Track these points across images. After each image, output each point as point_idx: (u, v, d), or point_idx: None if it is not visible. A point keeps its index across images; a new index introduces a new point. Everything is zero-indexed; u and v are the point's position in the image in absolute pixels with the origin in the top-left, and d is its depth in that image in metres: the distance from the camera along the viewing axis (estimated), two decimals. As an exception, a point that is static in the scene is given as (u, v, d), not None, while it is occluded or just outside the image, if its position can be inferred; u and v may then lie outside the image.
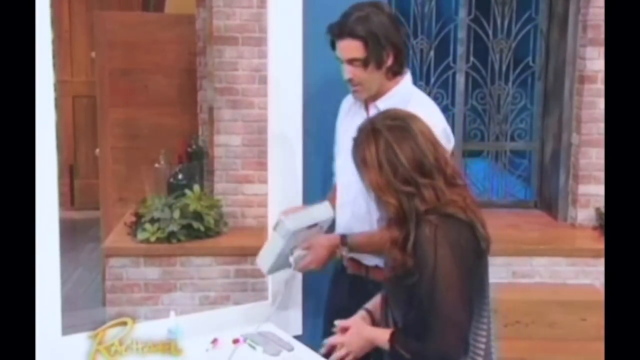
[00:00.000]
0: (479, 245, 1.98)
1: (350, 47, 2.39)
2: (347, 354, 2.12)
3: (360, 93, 2.45)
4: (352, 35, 2.37)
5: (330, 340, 2.16)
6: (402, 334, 2.03)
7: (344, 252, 2.44)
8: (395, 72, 2.44)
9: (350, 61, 2.41)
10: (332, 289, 2.72)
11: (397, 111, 2.05)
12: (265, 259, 2.54)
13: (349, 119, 2.56)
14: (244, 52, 3.95)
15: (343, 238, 2.45)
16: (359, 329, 2.14)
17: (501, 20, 4.55)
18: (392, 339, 2.03)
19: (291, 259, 2.43)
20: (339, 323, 2.19)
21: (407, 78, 2.49)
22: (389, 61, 2.40)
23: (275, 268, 2.54)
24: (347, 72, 2.43)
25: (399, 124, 1.94)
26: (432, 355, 1.94)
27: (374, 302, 2.27)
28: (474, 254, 1.97)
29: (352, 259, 2.55)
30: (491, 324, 2.10)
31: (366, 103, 2.51)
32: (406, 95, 2.46)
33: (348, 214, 2.53)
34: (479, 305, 2.07)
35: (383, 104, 2.43)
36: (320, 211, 2.53)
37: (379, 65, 2.40)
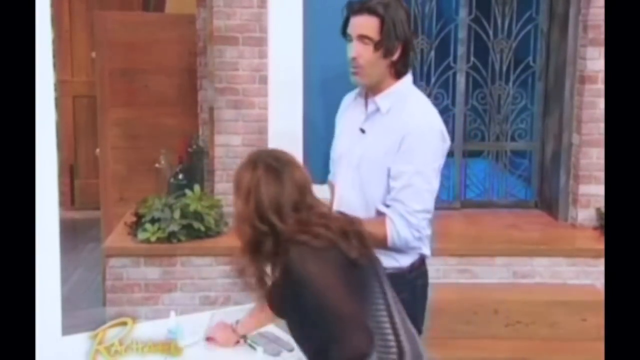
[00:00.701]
0: (349, 257, 2.03)
1: (366, 24, 2.35)
2: None
3: (361, 76, 2.40)
4: (372, 11, 2.33)
5: None
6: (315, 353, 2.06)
7: None
8: (398, 70, 2.42)
9: (361, 38, 2.36)
10: None
11: (282, 154, 2.13)
12: None
13: (349, 114, 2.54)
14: (245, 52, 3.95)
15: None
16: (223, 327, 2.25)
17: (502, 20, 4.55)
18: None
19: None
20: None
21: (407, 78, 2.47)
22: (396, 55, 2.37)
23: None
24: (354, 49, 2.37)
25: (275, 167, 2.04)
26: (340, 353, 1.95)
27: (247, 322, 2.39)
28: (345, 266, 2.02)
29: None
30: (399, 329, 2.10)
31: (366, 98, 2.50)
32: (404, 94, 2.43)
33: (344, 208, 2.52)
34: (373, 306, 2.08)
35: (382, 100, 2.41)
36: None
37: (387, 53, 2.36)
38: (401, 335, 2.08)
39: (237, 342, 2.41)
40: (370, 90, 2.45)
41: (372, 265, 2.12)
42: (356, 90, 2.55)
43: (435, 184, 2.37)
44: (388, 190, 2.37)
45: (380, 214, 2.38)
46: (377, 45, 2.35)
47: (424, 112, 2.39)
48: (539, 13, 4.56)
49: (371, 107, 2.43)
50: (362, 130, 2.43)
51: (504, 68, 4.60)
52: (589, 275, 3.96)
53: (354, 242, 2.05)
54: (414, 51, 2.45)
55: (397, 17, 2.36)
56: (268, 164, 2.05)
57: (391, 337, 2.06)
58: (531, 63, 4.61)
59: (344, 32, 2.43)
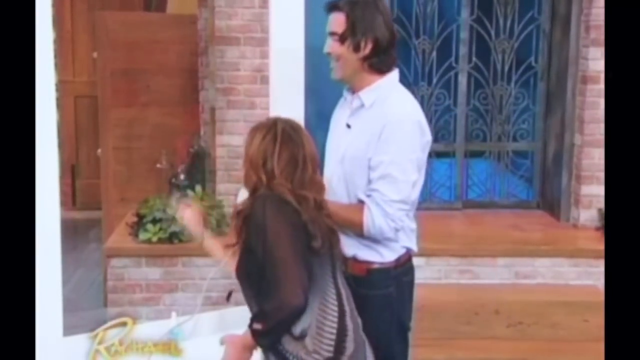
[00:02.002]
0: (311, 241, 2.11)
1: (334, 20, 2.46)
2: None
3: (336, 70, 2.49)
4: (337, 8, 2.45)
5: None
6: (254, 314, 2.13)
7: None
8: (374, 67, 2.47)
9: (331, 34, 2.46)
10: None
11: (296, 123, 2.27)
12: (241, 194, 2.56)
13: (338, 111, 2.61)
14: (246, 52, 3.95)
15: None
16: (232, 342, 2.19)
17: (503, 20, 4.55)
18: (250, 326, 2.10)
19: None
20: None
21: (392, 75, 2.52)
22: (367, 50, 2.44)
23: None
24: (327, 45, 2.48)
25: (290, 132, 2.19)
26: (274, 306, 2.04)
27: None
28: (304, 240, 2.11)
29: (355, 259, 2.54)
30: (346, 312, 2.17)
31: (352, 96, 2.54)
32: (388, 89, 2.48)
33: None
34: (322, 282, 2.15)
35: (365, 95, 2.46)
36: None
37: (355, 47, 2.44)
38: (347, 316, 2.15)
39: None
40: (353, 87, 2.50)
41: (332, 256, 2.21)
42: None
43: (412, 175, 2.39)
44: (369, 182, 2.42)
45: (361, 202, 2.41)
46: (341, 39, 2.43)
47: (402, 104, 2.45)
48: (540, 13, 4.56)
49: (356, 102, 2.48)
50: (348, 126, 2.49)
51: (506, 68, 4.59)
52: (590, 275, 3.96)
53: (320, 232, 2.14)
54: (392, 47, 2.49)
55: (365, 14, 2.44)
56: (283, 128, 2.18)
57: (333, 315, 2.13)
58: (533, 63, 4.60)
59: None
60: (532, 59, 4.60)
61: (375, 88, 2.47)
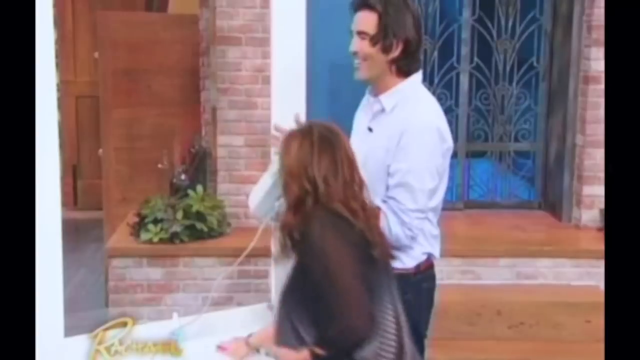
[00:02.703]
0: (369, 250, 2.07)
1: (365, 19, 2.39)
2: None
3: (362, 70, 2.43)
4: (370, 7, 2.38)
5: None
6: (315, 339, 2.05)
7: None
8: (401, 69, 2.43)
9: (360, 33, 2.40)
10: None
11: (332, 126, 2.18)
12: (253, 195, 2.51)
13: (360, 113, 2.57)
14: (247, 52, 3.95)
15: None
16: (286, 356, 2.16)
17: (505, 20, 4.54)
18: (310, 350, 2.04)
19: (277, 204, 2.42)
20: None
21: (415, 77, 2.48)
22: (396, 52, 2.39)
23: (261, 209, 2.49)
24: (354, 44, 2.41)
25: (328, 135, 2.11)
26: (341, 334, 1.98)
27: (260, 334, 2.34)
28: (364, 256, 2.05)
29: None
30: (403, 327, 2.11)
31: (375, 97, 2.51)
32: (409, 93, 2.43)
33: None
34: (380, 299, 2.09)
35: (386, 99, 2.42)
36: None
37: (385, 49, 2.38)
38: (404, 336, 2.09)
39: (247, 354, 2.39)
40: (375, 89, 2.46)
41: (386, 265, 2.14)
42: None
43: (429, 184, 2.35)
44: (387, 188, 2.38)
45: (377, 208, 2.37)
46: (372, 40, 2.37)
47: (424, 110, 2.40)
48: (542, 13, 4.55)
49: (376, 106, 2.44)
50: (370, 129, 2.45)
51: (508, 68, 4.59)
52: (592, 276, 3.95)
53: (377, 237, 2.09)
54: (420, 50, 2.46)
55: (398, 15, 2.39)
56: (320, 132, 2.11)
57: (393, 333, 2.07)
58: (535, 63, 4.60)
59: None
60: (534, 59, 4.59)
61: (396, 92, 2.42)
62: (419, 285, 2.47)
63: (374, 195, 2.37)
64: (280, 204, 2.43)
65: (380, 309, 2.07)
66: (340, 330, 1.97)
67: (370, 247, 2.06)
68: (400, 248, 2.40)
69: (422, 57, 4.47)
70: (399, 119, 2.36)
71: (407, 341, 2.10)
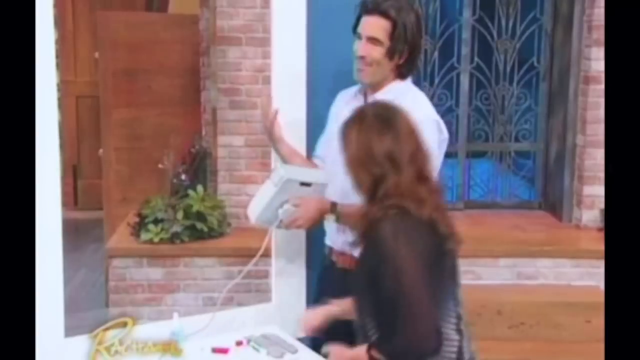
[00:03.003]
0: (441, 245, 2.02)
1: (377, 25, 2.40)
2: None
3: (366, 75, 2.45)
4: (384, 14, 2.39)
5: None
6: (376, 341, 2.03)
7: (331, 219, 2.45)
8: (401, 73, 2.45)
9: (371, 39, 2.40)
10: (321, 286, 2.71)
11: (389, 104, 2.13)
12: (254, 206, 2.51)
13: (341, 111, 2.58)
14: (248, 52, 3.95)
15: (333, 205, 2.46)
16: (340, 351, 2.15)
17: (505, 20, 4.54)
18: (369, 349, 2.03)
19: (281, 211, 2.43)
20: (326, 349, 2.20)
21: (409, 78, 2.51)
22: (402, 59, 2.41)
23: (263, 219, 2.50)
24: (363, 49, 2.42)
25: (385, 115, 2.04)
26: (407, 348, 1.96)
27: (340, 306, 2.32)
28: (435, 252, 2.01)
29: (342, 253, 2.55)
30: (463, 331, 2.11)
31: (365, 96, 2.52)
32: (403, 91, 2.49)
33: (346, 201, 2.53)
34: (445, 308, 2.07)
35: (381, 96, 2.46)
36: (316, 173, 2.55)
37: (393, 56, 2.41)
38: (464, 344, 2.09)
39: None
40: (370, 88, 2.49)
41: (453, 261, 2.10)
42: (355, 88, 2.57)
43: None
44: None
45: None
46: (385, 48, 2.40)
47: (420, 104, 2.47)
48: (543, 13, 4.55)
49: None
50: None
51: (508, 68, 4.58)
52: (593, 276, 3.94)
53: (446, 222, 2.04)
54: (420, 54, 2.49)
55: (408, 21, 2.42)
56: (375, 113, 2.05)
57: (454, 344, 2.07)
58: (535, 63, 4.59)
59: (355, 29, 2.46)
60: (534, 59, 4.59)
61: (391, 89, 2.48)
62: None
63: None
64: (285, 211, 2.43)
65: (444, 318, 2.05)
66: (406, 343, 1.94)
67: (442, 240, 2.01)
68: None
69: (422, 56, 4.49)
70: None
71: (466, 347, 2.09)
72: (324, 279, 2.69)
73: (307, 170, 2.58)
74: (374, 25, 2.40)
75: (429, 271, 1.96)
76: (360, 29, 2.44)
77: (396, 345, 1.95)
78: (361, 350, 2.06)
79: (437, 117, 2.47)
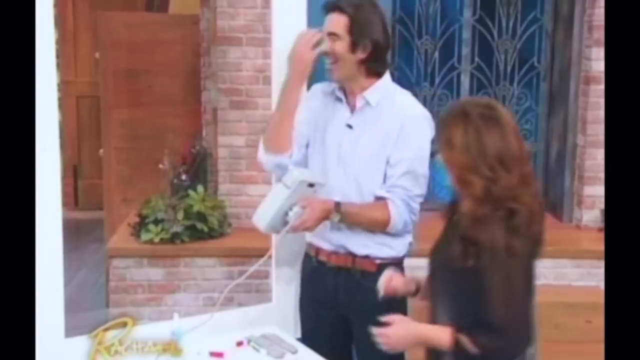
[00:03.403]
0: (535, 246, 2.04)
1: (335, 21, 2.48)
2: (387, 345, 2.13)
3: (334, 71, 2.51)
4: (341, 10, 2.47)
5: (377, 331, 2.16)
6: (469, 328, 2.02)
7: (335, 218, 2.46)
8: (371, 70, 2.50)
9: (330, 34, 2.48)
10: (312, 286, 2.68)
11: (488, 101, 2.12)
12: (264, 212, 2.49)
13: (323, 109, 2.60)
14: (248, 52, 3.95)
15: (337, 204, 2.46)
16: (405, 323, 2.15)
17: (506, 20, 4.54)
18: (455, 335, 2.01)
19: (290, 214, 2.42)
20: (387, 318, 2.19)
21: (387, 76, 2.57)
22: (365, 52, 2.46)
23: (272, 225, 2.49)
24: (324, 45, 2.50)
25: (490, 114, 2.00)
26: (509, 349, 1.99)
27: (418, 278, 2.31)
28: (531, 253, 2.04)
29: (335, 252, 2.56)
30: (535, 331, 2.11)
31: (347, 97, 2.54)
32: (390, 89, 2.55)
33: (339, 199, 2.53)
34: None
35: (370, 95, 2.51)
36: (317, 173, 2.55)
37: (355, 50, 2.46)
38: (534, 339, 2.09)
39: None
40: (350, 89, 2.54)
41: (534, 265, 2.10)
42: (329, 85, 2.62)
43: (427, 170, 2.48)
44: (384, 179, 2.48)
45: (378, 199, 2.48)
46: (347, 43, 2.45)
47: (413, 101, 2.56)
48: (543, 13, 4.55)
49: (360, 102, 2.53)
50: (350, 126, 2.53)
51: (509, 69, 4.58)
52: (593, 276, 3.95)
53: (542, 223, 2.05)
54: (387, 50, 2.55)
55: (366, 17, 2.48)
56: (480, 112, 1.99)
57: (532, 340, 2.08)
58: (536, 64, 4.59)
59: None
60: (535, 59, 4.59)
61: (377, 88, 2.53)
62: (403, 272, 2.53)
63: (370, 188, 2.49)
64: (294, 213, 2.42)
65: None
66: (497, 343, 1.95)
67: (536, 241, 2.02)
68: (397, 237, 2.53)
69: (422, 56, 4.49)
70: (391, 112, 2.49)
71: (534, 338, 2.10)
72: (314, 280, 2.66)
73: (308, 170, 2.59)
74: (333, 21, 2.48)
75: (528, 272, 1.99)
76: (323, 29, 2.52)
77: (500, 344, 1.96)
78: (438, 331, 2.06)
79: (429, 115, 2.55)
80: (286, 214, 2.45)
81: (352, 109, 2.54)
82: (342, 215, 2.46)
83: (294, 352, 2.38)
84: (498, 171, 1.95)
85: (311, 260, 2.66)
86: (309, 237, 2.65)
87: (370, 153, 2.48)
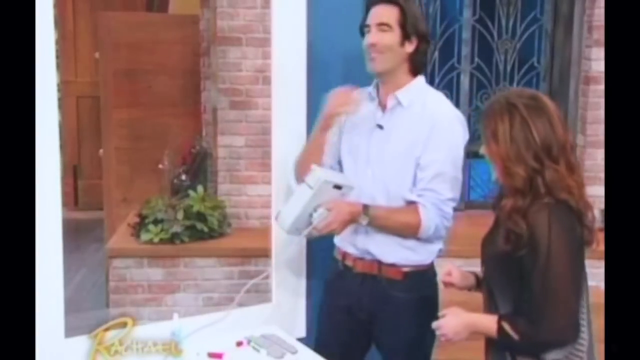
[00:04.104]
0: (583, 236, 2.06)
1: (385, 11, 2.43)
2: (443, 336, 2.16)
3: (379, 63, 2.44)
4: (392, 1, 2.43)
5: (434, 325, 2.19)
6: (510, 315, 2.05)
7: (364, 221, 2.41)
8: (414, 66, 2.47)
9: (380, 25, 2.43)
10: (336, 290, 2.66)
11: (532, 91, 2.10)
12: (287, 213, 2.43)
13: (359, 115, 2.54)
14: (248, 52, 3.95)
15: (365, 207, 2.41)
16: (457, 313, 2.17)
17: (506, 20, 4.54)
18: (500, 320, 2.04)
19: (315, 215, 2.37)
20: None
21: (421, 78, 2.54)
22: (412, 46, 2.43)
23: (296, 227, 2.43)
24: (373, 37, 2.44)
25: (535, 104, 2.00)
26: (545, 336, 1.97)
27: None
28: (580, 243, 2.05)
29: (361, 258, 2.53)
30: (591, 321, 2.14)
31: (379, 97, 2.52)
32: (422, 89, 2.51)
33: (365, 202, 2.51)
34: (582, 299, 2.11)
35: (402, 95, 2.46)
36: (344, 176, 2.51)
37: (404, 42, 2.43)
38: (593, 338, 2.11)
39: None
40: (385, 85, 2.50)
41: (584, 254, 2.12)
42: (363, 90, 2.57)
43: (460, 173, 2.46)
44: (414, 181, 2.42)
45: (409, 204, 2.42)
46: (397, 34, 2.42)
47: (447, 103, 2.52)
48: (543, 14, 4.55)
49: (391, 102, 2.48)
50: (380, 126, 2.48)
51: (508, 69, 4.58)
52: (593, 276, 3.89)
53: (589, 221, 2.07)
54: (429, 47, 2.52)
55: (415, 10, 2.48)
56: (525, 103, 1.99)
57: (585, 338, 2.09)
58: (535, 64, 4.59)
59: (362, 28, 2.50)
60: (535, 59, 4.59)
61: (410, 88, 2.48)
62: (433, 280, 2.50)
63: (398, 191, 2.43)
64: (319, 215, 2.38)
65: (580, 309, 2.07)
66: (542, 332, 1.96)
67: (585, 231, 2.04)
68: (426, 243, 2.48)
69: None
70: (423, 113, 2.43)
71: (594, 343, 2.10)
72: (339, 284, 2.62)
73: (337, 173, 2.55)
74: (383, 12, 2.43)
75: (575, 263, 2.01)
76: (368, 21, 2.47)
77: (536, 330, 1.96)
78: (486, 319, 2.09)
79: (463, 117, 2.52)
80: (310, 215, 2.40)
81: (384, 108, 2.49)
82: (371, 219, 2.40)
83: (294, 352, 2.38)
84: (544, 161, 1.96)
85: (337, 264, 2.61)
86: (337, 240, 2.59)
87: (399, 154, 2.42)
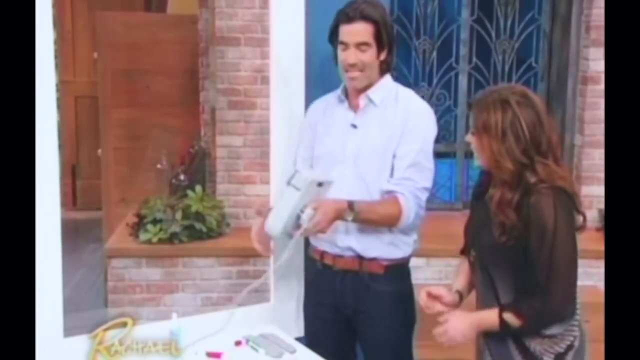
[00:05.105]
0: (576, 220, 2.12)
1: (363, 30, 2.43)
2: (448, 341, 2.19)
3: (360, 80, 2.48)
4: (366, 18, 2.42)
5: (434, 332, 2.21)
6: (511, 304, 2.10)
7: (349, 217, 2.41)
8: (385, 67, 2.51)
9: (359, 45, 2.43)
10: (316, 287, 2.67)
11: (521, 88, 2.17)
12: (277, 218, 2.41)
13: (329, 116, 2.59)
14: (246, 52, 3.95)
15: (350, 203, 2.42)
16: (460, 316, 2.20)
17: (504, 20, 4.54)
18: (501, 312, 2.08)
19: (303, 216, 2.36)
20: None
21: (388, 74, 2.57)
22: (385, 54, 2.46)
23: (286, 230, 2.42)
24: (353, 56, 2.44)
25: (525, 101, 2.06)
26: (550, 311, 2.06)
27: (461, 282, 2.34)
28: (575, 226, 2.11)
29: (340, 256, 2.54)
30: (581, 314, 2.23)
31: (348, 98, 2.53)
32: (391, 86, 2.54)
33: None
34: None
35: (374, 94, 2.50)
36: (323, 172, 2.52)
37: (380, 54, 2.47)
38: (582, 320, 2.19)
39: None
40: (356, 88, 2.52)
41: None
42: (331, 95, 2.62)
43: (432, 163, 2.49)
44: (391, 173, 2.46)
45: (386, 193, 2.45)
46: (375, 46, 2.44)
47: (418, 98, 2.57)
48: (541, 14, 4.55)
49: (363, 101, 2.51)
50: (354, 126, 2.51)
51: (506, 69, 4.59)
52: (591, 276, 3.94)
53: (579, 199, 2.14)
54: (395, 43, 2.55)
55: (387, 20, 2.49)
56: (517, 100, 2.06)
57: (577, 317, 2.18)
58: (533, 64, 4.60)
59: (333, 39, 2.50)
60: (533, 59, 4.59)
61: (381, 86, 2.52)
62: (409, 274, 2.52)
63: (376, 186, 2.46)
64: (307, 215, 2.38)
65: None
66: (541, 309, 2.03)
67: (577, 215, 2.10)
68: (405, 236, 2.51)
69: (420, 57, 4.49)
70: (396, 108, 2.48)
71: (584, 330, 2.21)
72: (319, 283, 2.64)
73: (317, 170, 2.56)
74: (361, 31, 2.43)
75: (575, 242, 2.06)
76: (344, 38, 2.45)
77: (541, 308, 2.04)
78: (488, 313, 2.13)
79: (432, 110, 2.56)
80: (298, 217, 2.39)
81: (355, 108, 2.53)
82: (355, 214, 2.40)
83: (292, 351, 2.38)
84: (533, 157, 2.03)
85: (316, 264, 2.63)
86: (313, 240, 2.61)
87: (377, 150, 2.46)
